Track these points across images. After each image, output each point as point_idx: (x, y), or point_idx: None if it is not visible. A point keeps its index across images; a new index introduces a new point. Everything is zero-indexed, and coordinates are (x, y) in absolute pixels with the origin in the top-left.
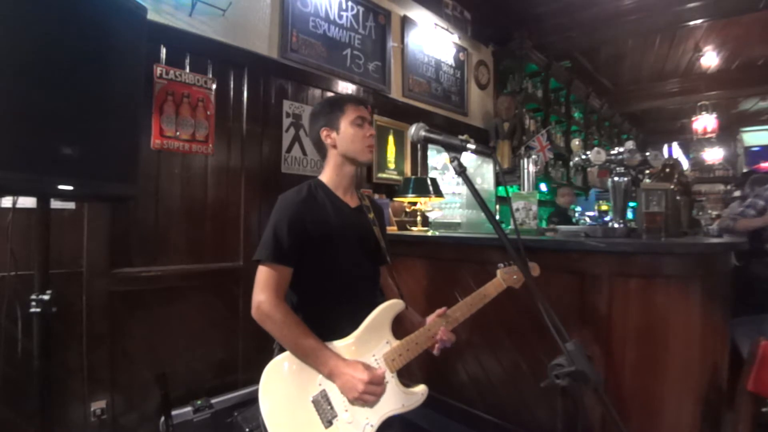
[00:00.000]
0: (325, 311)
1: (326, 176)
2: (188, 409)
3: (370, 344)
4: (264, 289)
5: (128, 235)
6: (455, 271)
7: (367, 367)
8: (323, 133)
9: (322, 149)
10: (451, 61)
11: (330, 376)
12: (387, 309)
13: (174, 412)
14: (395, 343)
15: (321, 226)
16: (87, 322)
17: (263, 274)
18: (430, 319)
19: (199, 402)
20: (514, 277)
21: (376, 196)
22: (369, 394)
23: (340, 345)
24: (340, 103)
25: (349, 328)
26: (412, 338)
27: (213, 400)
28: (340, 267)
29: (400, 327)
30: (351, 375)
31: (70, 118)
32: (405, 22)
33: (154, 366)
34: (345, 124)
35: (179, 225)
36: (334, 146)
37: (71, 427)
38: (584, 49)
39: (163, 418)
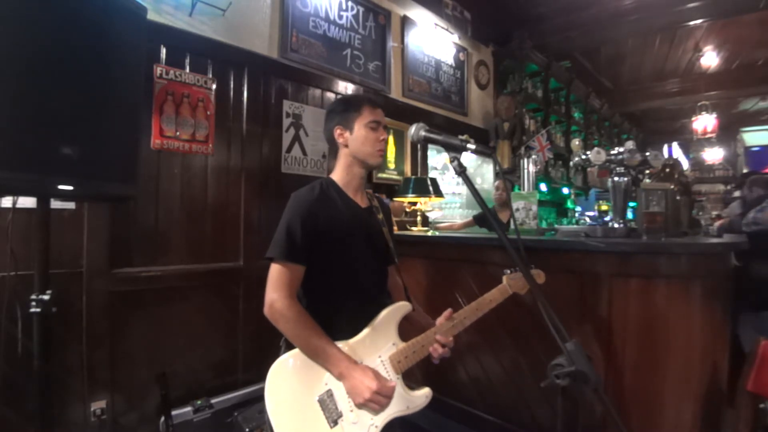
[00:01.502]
0: (333, 310)
1: (337, 175)
2: (188, 409)
3: (376, 345)
4: (277, 288)
5: (128, 235)
6: (455, 271)
7: (378, 377)
8: (336, 132)
9: (334, 147)
10: (451, 61)
11: (340, 377)
12: (394, 311)
13: (174, 412)
14: (401, 345)
15: (334, 224)
16: (87, 322)
17: (276, 272)
18: (439, 321)
19: (199, 402)
20: (521, 283)
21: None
22: (375, 402)
23: (347, 345)
24: (356, 103)
25: (356, 327)
26: (418, 340)
27: (213, 400)
28: (349, 266)
29: (409, 327)
30: (360, 380)
31: (70, 118)
32: (405, 22)
33: (154, 366)
34: (359, 126)
35: (179, 225)
36: (346, 146)
37: (71, 427)
38: (584, 49)
39: (163, 418)
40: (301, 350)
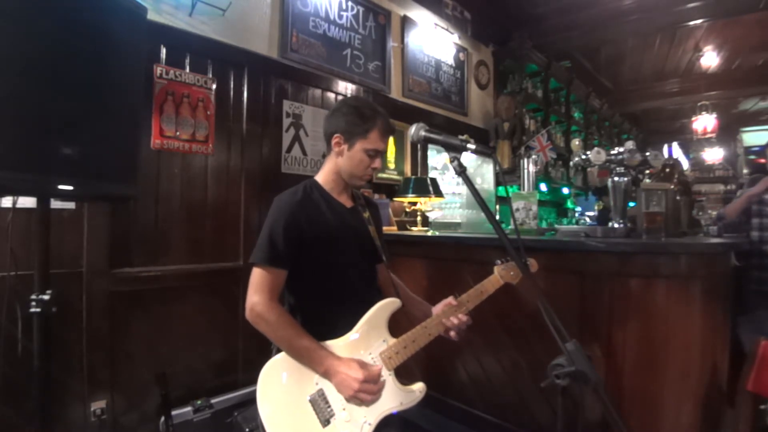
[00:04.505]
0: (323, 311)
1: (322, 177)
2: (188, 409)
3: (366, 342)
4: (258, 291)
5: (128, 235)
6: (455, 271)
7: (363, 365)
8: (335, 139)
9: (328, 147)
10: (451, 61)
11: (325, 374)
12: (383, 307)
13: (174, 412)
14: (392, 341)
15: (317, 227)
16: (87, 322)
17: (258, 276)
18: (437, 309)
19: (199, 402)
20: (512, 273)
21: (376, 196)
22: (365, 392)
23: (336, 344)
24: (368, 123)
25: (346, 327)
26: (409, 336)
27: (213, 400)
28: (337, 267)
29: (407, 324)
30: (346, 374)
31: (70, 118)
32: (405, 22)
33: (154, 366)
34: (359, 147)
35: (179, 225)
36: (339, 155)
37: (71, 427)
38: (584, 49)
39: (163, 418)
40: (285, 352)
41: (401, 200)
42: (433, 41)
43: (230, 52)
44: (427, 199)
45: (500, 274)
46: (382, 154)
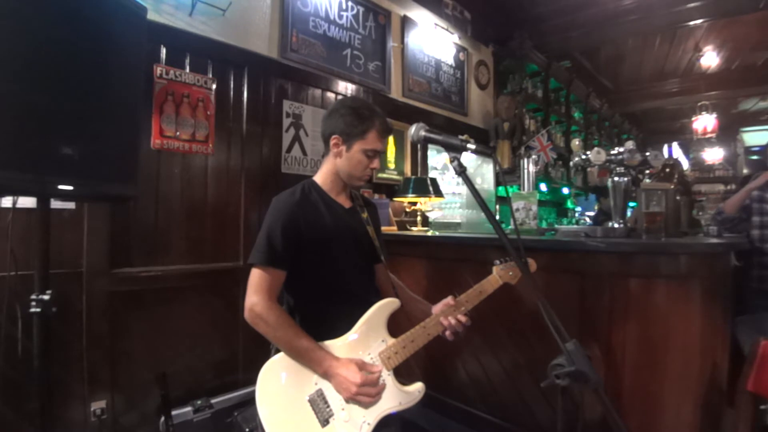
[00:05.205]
0: (322, 312)
1: (320, 178)
2: (188, 409)
3: (365, 343)
4: (257, 292)
5: (128, 235)
6: (455, 271)
7: (362, 368)
8: (333, 140)
9: (326, 147)
10: (451, 61)
11: (324, 375)
12: (382, 308)
13: (174, 412)
14: (391, 341)
15: (316, 227)
16: (87, 322)
17: (256, 276)
18: (436, 309)
19: (199, 402)
20: (510, 273)
21: (376, 196)
22: (363, 395)
23: (335, 344)
24: (366, 123)
25: (345, 327)
26: (407, 336)
27: (213, 400)
28: (336, 267)
29: (407, 323)
30: (344, 376)
31: (70, 118)
32: (405, 22)
33: (154, 366)
34: (357, 147)
35: (179, 225)
36: (337, 157)
37: (71, 427)
38: (584, 49)
39: (163, 418)
40: (284, 352)
41: (401, 200)
42: (433, 41)
43: (230, 52)
44: (427, 199)
45: (499, 274)
46: (380, 154)
